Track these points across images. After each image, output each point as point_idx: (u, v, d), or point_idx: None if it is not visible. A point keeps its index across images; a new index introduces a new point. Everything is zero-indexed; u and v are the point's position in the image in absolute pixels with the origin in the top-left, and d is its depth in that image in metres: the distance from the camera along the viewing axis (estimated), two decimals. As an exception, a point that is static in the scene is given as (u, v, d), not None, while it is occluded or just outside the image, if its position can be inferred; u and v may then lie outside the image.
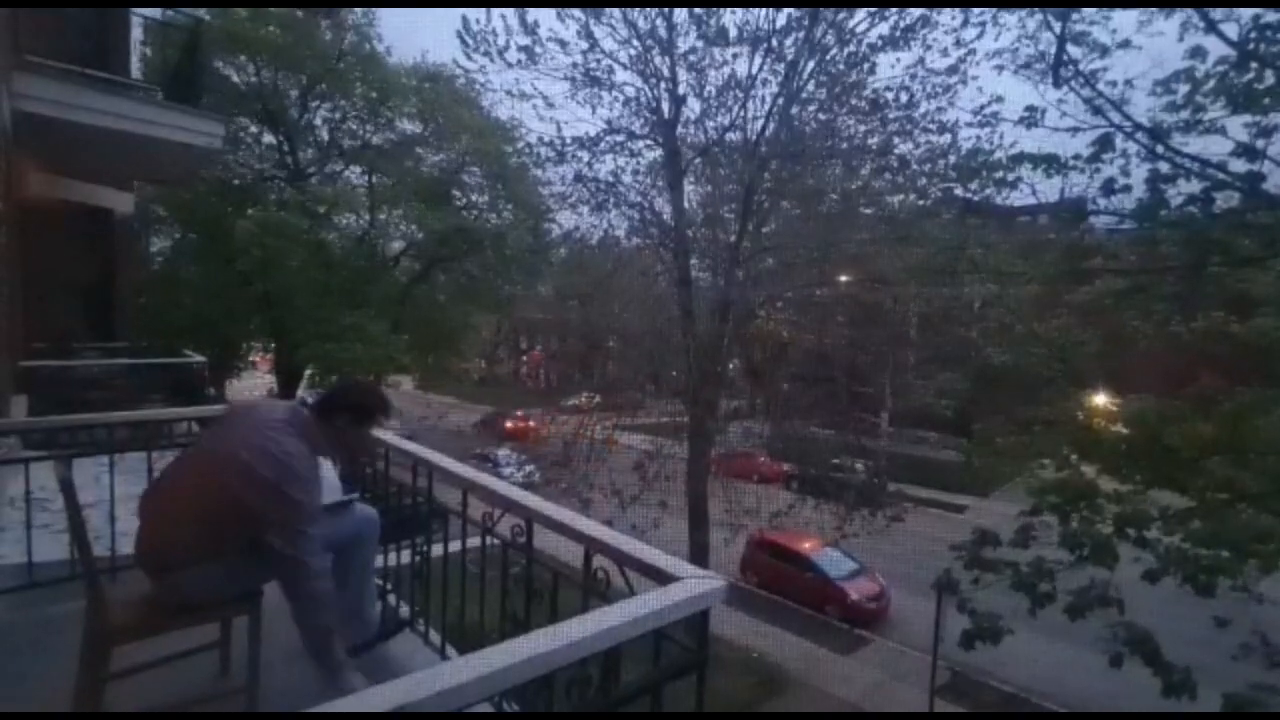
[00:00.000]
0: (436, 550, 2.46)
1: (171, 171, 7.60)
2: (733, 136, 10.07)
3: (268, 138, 17.25)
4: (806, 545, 13.78)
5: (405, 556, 2.62)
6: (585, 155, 10.35)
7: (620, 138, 10.27)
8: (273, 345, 18.66)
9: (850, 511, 10.11)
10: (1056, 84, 5.54)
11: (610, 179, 10.55)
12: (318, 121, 17.81)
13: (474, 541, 2.20)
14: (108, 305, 7.40)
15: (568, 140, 10.20)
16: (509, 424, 27.38)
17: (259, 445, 1.77)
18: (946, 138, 9.09)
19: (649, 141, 10.40)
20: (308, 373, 18.59)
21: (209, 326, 15.92)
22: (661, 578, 1.49)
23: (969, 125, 8.46)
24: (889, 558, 13.64)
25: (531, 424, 28.80)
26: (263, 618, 2.00)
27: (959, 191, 8.75)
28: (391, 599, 2.64)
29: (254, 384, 25.43)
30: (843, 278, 10.92)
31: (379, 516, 2.25)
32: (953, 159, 8.91)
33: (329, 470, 2.38)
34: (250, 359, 21.57)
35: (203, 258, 16.35)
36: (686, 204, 10.51)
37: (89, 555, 1.85)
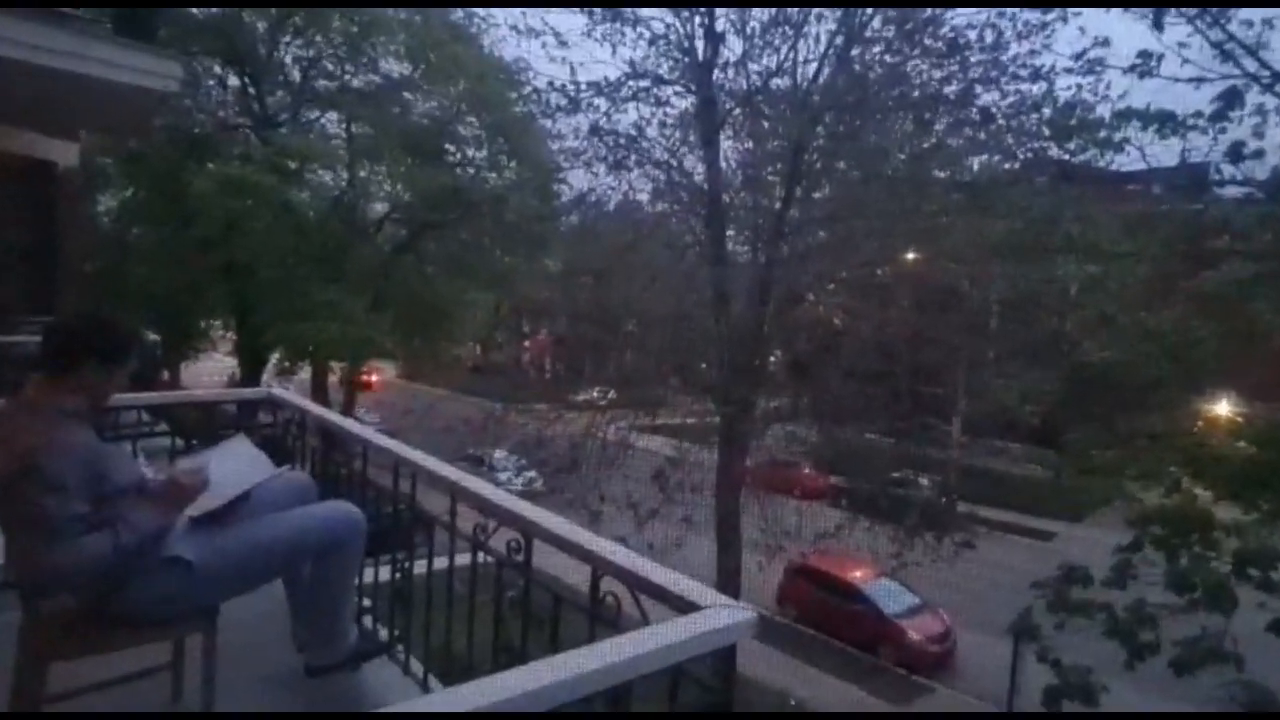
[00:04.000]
0: (419, 566, 2.51)
1: (121, 119, 7.71)
2: (780, 83, 9.99)
3: (231, 79, 17.50)
4: (857, 574, 13.73)
5: (384, 572, 2.67)
6: (603, 103, 10.34)
7: (645, 83, 10.24)
8: (235, 323, 19.00)
9: (911, 535, 10.04)
10: (1158, 24, 5.39)
11: (632, 132, 10.53)
12: (288, 60, 17.98)
13: (463, 558, 2.25)
14: (48, 272, 7.58)
15: (583, 85, 10.19)
16: (366, 378, 27.83)
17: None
18: (1040, 87, 8.90)
19: (679, 88, 10.36)
20: (274, 356, 18.91)
21: (162, 300, 16.25)
22: (681, 605, 1.51)
23: (1068, 72, 8.28)
24: (956, 592, 13.55)
25: (374, 378, 29.51)
26: (220, 637, 2.07)
27: (1053, 153, 8.60)
28: (368, 620, 2.70)
29: (213, 368, 25.93)
30: (909, 255, 10.80)
31: (365, 520, 2.29)
32: (1047, 113, 8.70)
33: (240, 445, 2.43)
34: (210, 339, 21.96)
35: (155, 219, 16.64)
36: (723, 163, 10.45)
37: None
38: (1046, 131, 8.58)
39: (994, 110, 9.22)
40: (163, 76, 5.83)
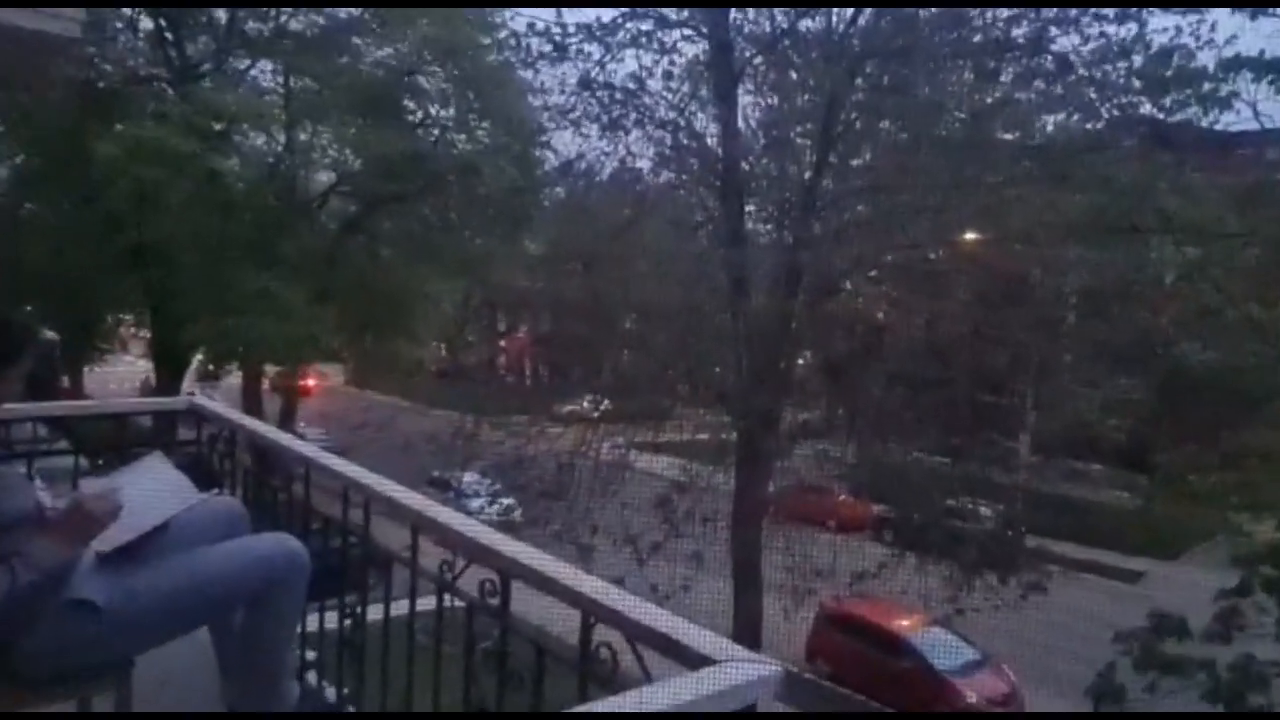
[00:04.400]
0: (373, 612, 2.52)
1: (10, 69, 7.76)
2: (811, 24, 10.03)
3: (144, 22, 17.52)
4: (904, 622, 13.72)
5: (330, 619, 2.69)
6: (596, 50, 10.39)
7: (647, 25, 10.28)
8: (149, 318, 19.03)
9: (970, 576, 10.07)
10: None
11: (631, 85, 10.58)
12: (212, -3, 18.00)
13: (426, 601, 2.26)
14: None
15: (570, 28, 10.24)
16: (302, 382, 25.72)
17: None
18: (1129, 29, 8.92)
19: (688, 31, 10.38)
20: (197, 358, 18.92)
21: (61, 289, 16.28)
22: (689, 659, 1.53)
23: (1164, 10, 8.30)
24: (1024, 644, 13.54)
25: (311, 382, 27.65)
26: (133, 696, 2.09)
27: (1145, 110, 8.60)
28: (311, 676, 2.72)
29: (123, 373, 26.00)
30: (968, 234, 10.80)
31: (308, 557, 2.31)
32: (1137, 61, 8.75)
33: (157, 465, 2.45)
34: (118, 337, 21.99)
35: (52, 192, 16.69)
36: (741, 123, 10.49)
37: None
38: (1137, 84, 8.59)
39: (1072, 58, 9.23)
40: (62, 19, 5.86)
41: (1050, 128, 10.07)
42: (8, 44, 6.16)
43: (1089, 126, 9.65)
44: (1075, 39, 9.26)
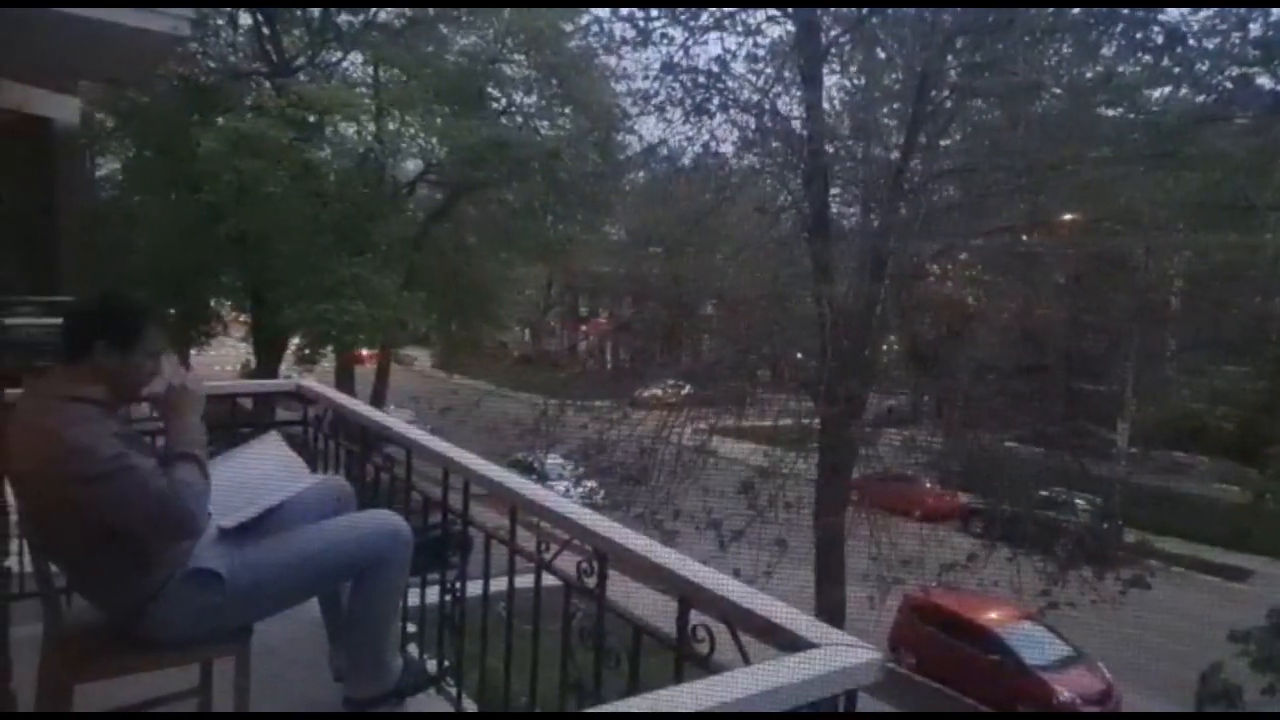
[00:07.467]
0: (472, 588, 2.61)
1: (123, 67, 8.17)
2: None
3: (243, 18, 18.25)
4: (994, 615, 13.46)
5: (430, 594, 2.79)
6: (679, 34, 10.37)
7: (731, 6, 10.19)
8: (249, 304, 19.90)
9: (1064, 569, 9.80)
10: None
11: (715, 68, 10.52)
12: (307, -9, 18.60)
13: (522, 580, 2.33)
14: (48, 247, 8.10)
15: (654, 12, 10.23)
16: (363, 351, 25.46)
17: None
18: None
19: (773, 11, 10.29)
20: (294, 342, 19.72)
21: (168, 277, 17.15)
22: (790, 642, 1.53)
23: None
24: (1121, 642, 13.10)
25: (365, 353, 25.86)
26: (253, 661, 2.21)
27: (1264, 81, 8.21)
28: (413, 648, 2.84)
29: (224, 355, 27.23)
30: (1065, 216, 10.46)
31: (411, 533, 2.41)
32: (1255, 30, 8.33)
33: (272, 446, 2.56)
34: (221, 321, 22.98)
35: (160, 184, 17.56)
36: (827, 105, 10.35)
37: (45, 569, 2.11)
38: (1254, 54, 8.22)
39: (1181, 27, 8.85)
40: (172, 16, 6.15)
41: (1158, 102, 9.68)
42: (121, 43, 6.49)
43: (1201, 100, 9.26)
44: (1185, 8, 8.91)
